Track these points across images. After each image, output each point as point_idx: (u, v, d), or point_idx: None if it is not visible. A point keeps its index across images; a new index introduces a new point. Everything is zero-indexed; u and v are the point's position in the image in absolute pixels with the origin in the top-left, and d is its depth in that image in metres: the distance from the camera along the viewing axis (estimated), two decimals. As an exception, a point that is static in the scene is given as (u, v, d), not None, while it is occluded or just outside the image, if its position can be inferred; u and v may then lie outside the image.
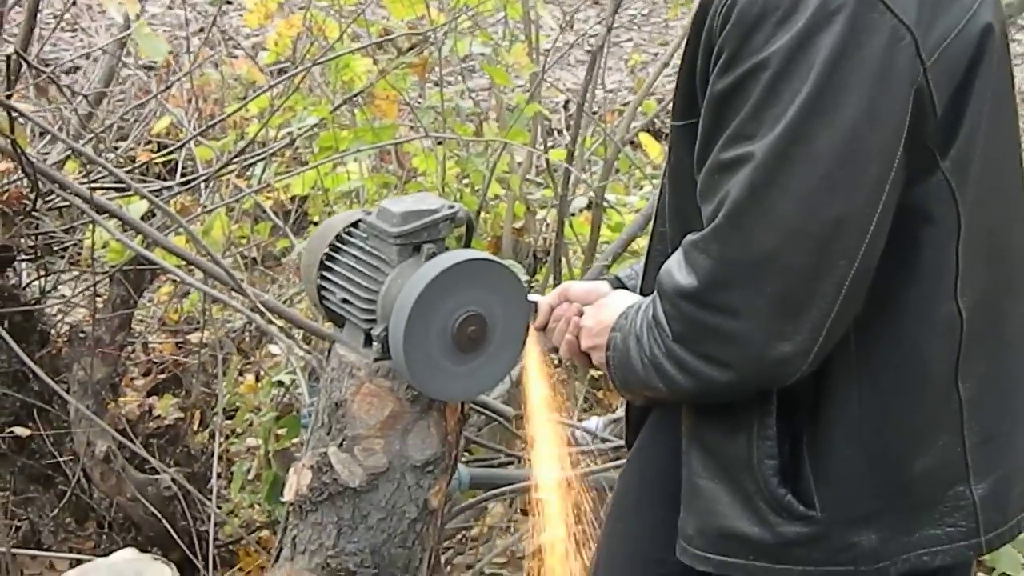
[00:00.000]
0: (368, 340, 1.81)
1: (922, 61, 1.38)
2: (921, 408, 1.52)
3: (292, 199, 3.96)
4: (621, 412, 2.43)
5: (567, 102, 4.87)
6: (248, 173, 3.63)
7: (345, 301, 1.85)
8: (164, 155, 3.21)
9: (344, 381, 1.83)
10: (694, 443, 1.63)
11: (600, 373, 1.90)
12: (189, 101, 4.26)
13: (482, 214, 3.49)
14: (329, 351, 1.93)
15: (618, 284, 1.83)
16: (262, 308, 2.12)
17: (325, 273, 1.88)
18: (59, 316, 3.17)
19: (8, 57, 2.21)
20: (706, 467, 1.60)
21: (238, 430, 3.28)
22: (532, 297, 1.87)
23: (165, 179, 3.29)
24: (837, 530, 1.53)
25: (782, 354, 1.43)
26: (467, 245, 1.88)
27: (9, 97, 2.82)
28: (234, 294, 2.39)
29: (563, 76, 5.17)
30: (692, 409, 1.62)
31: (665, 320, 1.50)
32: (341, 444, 1.83)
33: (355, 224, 1.88)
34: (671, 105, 1.66)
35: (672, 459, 1.68)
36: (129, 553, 1.76)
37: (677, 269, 1.48)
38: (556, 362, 1.97)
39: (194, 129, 3.84)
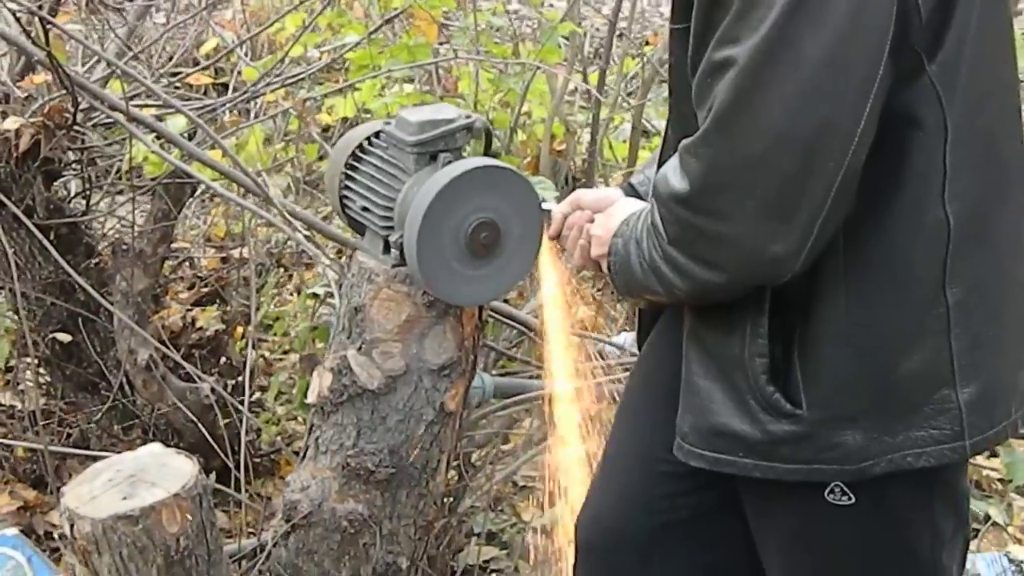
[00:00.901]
0: (387, 247, 1.85)
1: None
2: (908, 311, 1.52)
3: (344, 120, 3.96)
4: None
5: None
6: (296, 95, 3.65)
7: (365, 209, 1.88)
8: (200, 69, 3.22)
9: (363, 287, 1.87)
10: (692, 343, 1.65)
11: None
12: (241, 25, 4.30)
13: (520, 135, 3.49)
14: (351, 259, 1.96)
15: (630, 191, 1.84)
16: (289, 217, 2.16)
17: (347, 182, 1.91)
18: (105, 229, 3.21)
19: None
20: (702, 366, 1.62)
21: (277, 342, 3.33)
22: (546, 205, 1.89)
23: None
24: (823, 429, 1.53)
25: (773, 255, 1.43)
26: (486, 155, 1.90)
27: (54, 14, 2.87)
28: (267, 207, 2.42)
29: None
30: (692, 311, 1.64)
31: (661, 224, 1.52)
32: (360, 347, 1.87)
33: (376, 135, 1.90)
34: (670, 8, 1.65)
35: (676, 362, 1.70)
36: (155, 447, 1.80)
37: (672, 173, 1.48)
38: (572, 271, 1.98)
39: (241, 50, 3.88)
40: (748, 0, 1.36)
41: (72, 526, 1.65)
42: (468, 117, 1.83)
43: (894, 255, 1.50)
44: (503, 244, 1.79)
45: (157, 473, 1.72)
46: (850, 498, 1.57)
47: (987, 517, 3.17)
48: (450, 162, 1.77)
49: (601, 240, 1.69)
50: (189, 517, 1.68)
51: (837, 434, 1.53)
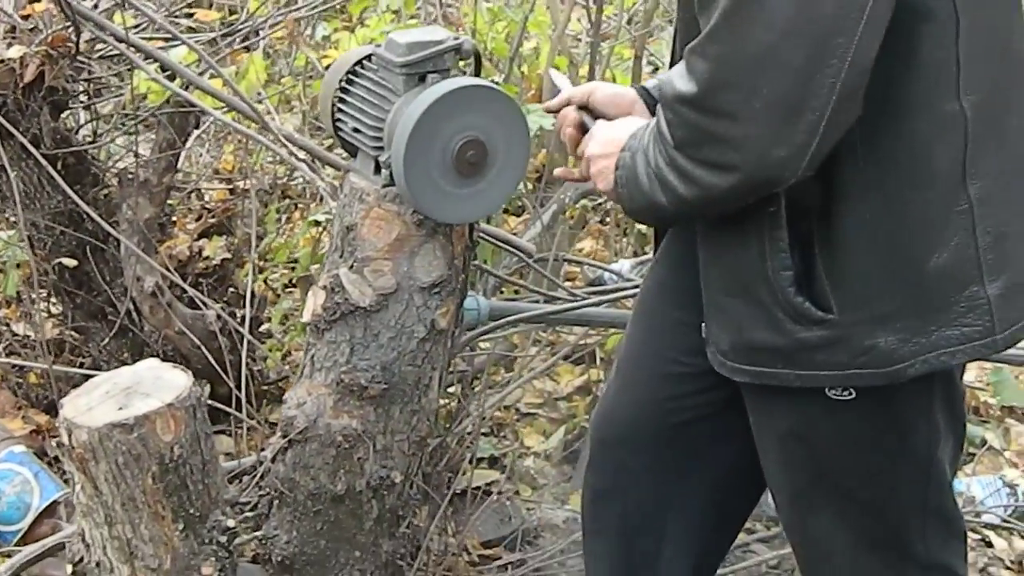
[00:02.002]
0: (378, 167, 1.86)
1: None
2: (931, 207, 1.52)
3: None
4: (650, 255, 2.45)
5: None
6: (305, 32, 3.64)
7: (356, 130, 1.90)
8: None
9: (355, 206, 1.88)
10: (711, 261, 1.66)
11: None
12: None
13: (523, 67, 3.49)
14: (343, 180, 1.98)
15: (644, 93, 1.83)
16: (285, 141, 2.18)
17: (339, 104, 1.93)
18: (112, 160, 3.22)
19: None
20: (725, 284, 1.64)
21: (286, 273, 3.36)
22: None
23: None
24: (856, 332, 1.54)
25: (778, 157, 1.43)
26: (476, 75, 1.91)
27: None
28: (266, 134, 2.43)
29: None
30: (706, 228, 1.65)
31: (667, 128, 1.51)
32: (352, 266, 1.88)
33: (368, 57, 1.92)
34: None
35: (689, 266, 1.72)
36: (152, 362, 1.83)
37: (678, 77, 1.48)
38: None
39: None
40: None
41: (70, 435, 1.68)
42: (456, 39, 1.83)
43: (913, 151, 1.51)
44: (490, 163, 1.80)
45: (152, 385, 1.75)
46: (851, 393, 1.60)
47: (984, 441, 3.20)
48: (436, 82, 1.78)
49: (597, 154, 1.70)
50: (183, 426, 1.71)
51: (871, 336, 1.55)
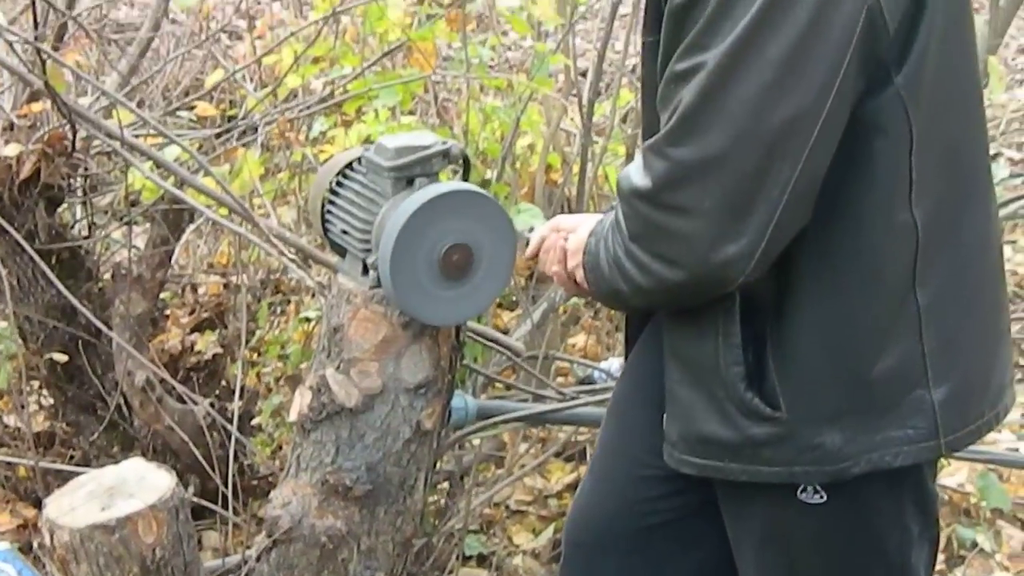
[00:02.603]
0: (365, 269, 1.87)
1: None
2: (880, 312, 1.54)
3: (346, 150, 3.98)
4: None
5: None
6: (302, 128, 3.69)
7: (344, 232, 1.91)
8: (196, 98, 3.26)
9: (342, 307, 1.88)
10: (671, 354, 1.67)
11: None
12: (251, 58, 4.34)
13: (516, 164, 3.52)
14: (331, 280, 1.99)
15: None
16: (275, 240, 2.19)
17: (329, 206, 1.94)
18: (106, 254, 3.24)
19: (46, 7, 2.28)
20: (682, 375, 1.65)
21: (278, 367, 3.35)
22: (529, 232, 1.92)
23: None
24: (803, 430, 1.55)
25: (727, 255, 1.45)
26: (464, 180, 1.93)
27: (58, 47, 2.93)
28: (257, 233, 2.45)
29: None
30: (668, 322, 1.67)
31: (624, 220, 1.54)
32: (338, 366, 1.88)
33: (357, 160, 1.94)
34: (642, 23, 1.68)
35: (657, 368, 1.73)
36: (137, 461, 1.82)
37: (635, 172, 1.51)
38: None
39: (250, 84, 3.93)
40: (718, 13, 1.39)
41: (52, 535, 1.67)
42: (444, 143, 1.85)
43: (864, 258, 1.52)
44: (476, 265, 1.81)
45: (136, 485, 1.75)
46: (822, 496, 1.60)
47: (974, 544, 3.17)
48: (424, 186, 1.80)
49: (575, 250, 1.73)
50: (165, 528, 1.70)
51: (817, 434, 1.55)
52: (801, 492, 1.60)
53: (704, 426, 1.61)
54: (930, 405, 1.56)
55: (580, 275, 1.72)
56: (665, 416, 1.69)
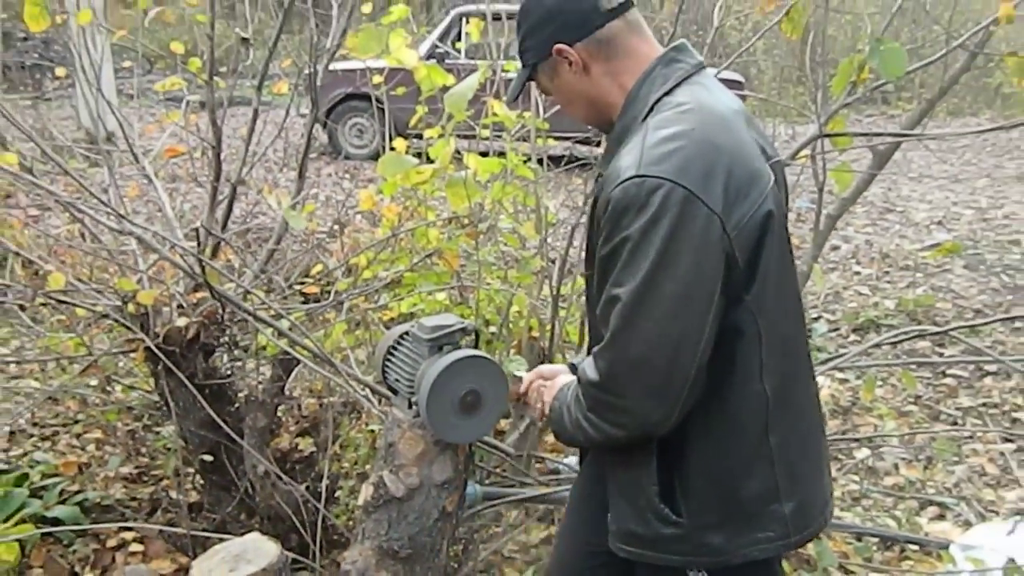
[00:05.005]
0: (410, 405, 1.86)
1: (727, 234, 1.38)
2: (745, 452, 1.51)
3: (400, 315, 4.01)
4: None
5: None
6: (374, 300, 3.70)
7: (396, 380, 1.90)
8: (303, 281, 3.27)
9: (395, 429, 1.87)
10: (609, 474, 1.64)
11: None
12: (342, 252, 4.39)
13: (510, 327, 3.52)
14: (388, 411, 1.97)
15: (572, 368, 1.84)
16: (349, 379, 2.18)
17: (386, 363, 1.94)
18: (241, 386, 3.23)
19: (196, 229, 2.31)
20: (618, 489, 1.62)
21: (355, 459, 3.30)
22: (518, 373, 1.91)
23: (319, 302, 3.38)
24: (696, 532, 1.52)
25: (653, 420, 1.44)
26: (475, 347, 1.93)
27: (215, 253, 2.96)
28: (339, 374, 2.44)
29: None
30: (609, 455, 1.63)
31: (583, 398, 1.52)
32: (391, 469, 1.86)
33: (406, 333, 1.94)
34: (583, 261, 1.69)
35: (600, 477, 1.69)
36: (254, 535, 1.78)
37: (588, 368, 1.49)
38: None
39: (341, 274, 3.96)
40: (628, 259, 1.39)
41: (196, 589, 1.63)
42: (463, 324, 1.86)
43: (732, 416, 1.49)
44: (483, 404, 1.80)
45: (254, 553, 1.71)
46: (704, 575, 1.55)
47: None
48: (449, 352, 1.81)
49: (548, 400, 1.71)
50: (273, 584, 1.66)
51: (706, 536, 1.51)
52: (689, 570, 1.56)
53: (632, 525, 1.57)
54: (783, 515, 1.52)
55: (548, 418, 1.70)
56: (609, 515, 1.65)
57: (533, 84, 1.66)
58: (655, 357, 1.39)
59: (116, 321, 2.66)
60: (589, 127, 1.68)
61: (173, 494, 3.28)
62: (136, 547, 3.03)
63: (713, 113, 1.45)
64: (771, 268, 1.45)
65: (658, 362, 1.39)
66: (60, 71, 4.66)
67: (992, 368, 4.70)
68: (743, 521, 1.51)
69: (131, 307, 2.64)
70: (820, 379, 1.73)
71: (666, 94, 1.49)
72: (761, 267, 1.43)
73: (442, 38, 10.18)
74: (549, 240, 3.29)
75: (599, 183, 1.50)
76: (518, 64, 1.65)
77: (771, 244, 1.44)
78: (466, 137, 3.71)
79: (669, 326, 1.37)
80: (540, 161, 3.34)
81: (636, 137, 1.44)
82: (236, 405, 2.97)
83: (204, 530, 2.76)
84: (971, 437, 4.06)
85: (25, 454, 3.58)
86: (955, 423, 4.17)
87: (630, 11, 1.56)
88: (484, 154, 3.22)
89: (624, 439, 1.49)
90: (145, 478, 3.45)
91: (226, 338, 2.87)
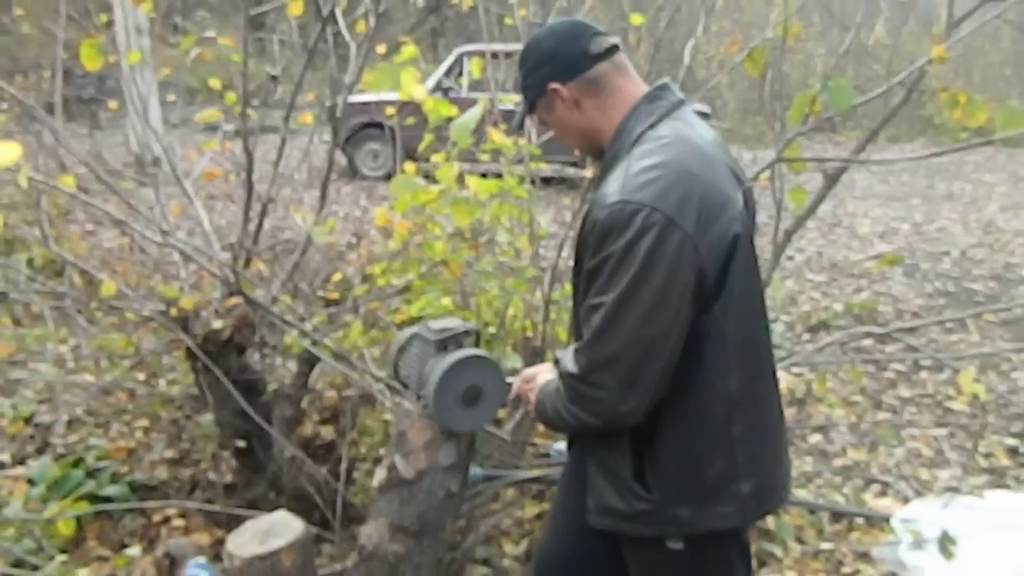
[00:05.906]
0: (418, 398, 1.85)
1: (700, 253, 1.38)
2: (710, 440, 1.50)
3: (410, 317, 3.98)
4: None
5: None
6: (388, 304, 3.68)
7: (407, 376, 1.88)
8: (324, 287, 3.26)
9: (405, 420, 1.85)
10: (589, 456, 1.63)
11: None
12: (358, 260, 4.37)
13: (507, 328, 3.49)
14: (398, 403, 1.96)
15: (555, 363, 1.83)
16: (365, 374, 2.17)
17: (398, 361, 1.92)
18: (270, 379, 3.20)
19: (231, 243, 2.29)
20: (596, 469, 1.61)
21: (371, 444, 3.28)
22: (510, 378, 1.90)
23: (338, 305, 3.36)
24: (665, 507, 1.51)
25: (626, 410, 1.43)
26: (476, 346, 1.92)
27: (248, 263, 2.93)
28: (354, 369, 2.42)
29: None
30: (588, 440, 1.62)
31: (563, 390, 1.52)
32: (402, 455, 1.85)
33: (415, 335, 1.93)
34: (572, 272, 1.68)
35: (584, 460, 1.68)
36: (281, 512, 1.76)
37: (569, 361, 1.49)
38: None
39: (358, 281, 3.93)
40: (611, 273, 1.39)
41: (231, 560, 1.61)
42: (465, 326, 1.85)
43: (699, 408, 1.48)
44: (483, 397, 1.79)
45: (282, 528, 1.69)
46: (680, 545, 1.54)
47: (771, 554, 3.05)
48: (453, 351, 1.79)
49: (534, 399, 1.70)
50: (298, 557, 1.64)
51: (674, 510, 1.51)
52: (668, 541, 1.55)
53: (608, 501, 1.57)
54: (742, 494, 1.52)
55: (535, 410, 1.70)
56: (589, 492, 1.64)
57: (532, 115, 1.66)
58: (629, 355, 1.39)
59: (160, 323, 2.65)
60: (579, 153, 1.69)
61: (210, 475, 3.26)
62: (178, 522, 3.01)
63: (691, 145, 1.45)
64: (737, 281, 1.45)
65: (631, 360, 1.39)
66: (113, 104, 4.66)
67: (927, 363, 4.70)
68: (706, 497, 1.51)
69: (173, 311, 2.64)
70: (779, 374, 1.71)
71: (650, 128, 1.50)
72: (728, 281, 1.43)
73: (447, 74, 10.20)
74: (541, 251, 3.27)
75: (589, 205, 1.50)
76: (517, 97, 1.66)
77: (738, 260, 1.44)
78: (468, 161, 3.70)
79: (643, 329, 1.38)
80: (533, 182, 3.33)
81: (622, 165, 1.44)
82: (265, 397, 2.95)
83: (238, 507, 2.74)
84: (909, 424, 4.06)
85: (81, 440, 3.56)
86: (895, 412, 4.17)
87: (616, 55, 1.56)
88: (484, 176, 3.21)
89: (600, 427, 1.49)
90: (186, 461, 3.43)
91: (257, 338, 2.86)
